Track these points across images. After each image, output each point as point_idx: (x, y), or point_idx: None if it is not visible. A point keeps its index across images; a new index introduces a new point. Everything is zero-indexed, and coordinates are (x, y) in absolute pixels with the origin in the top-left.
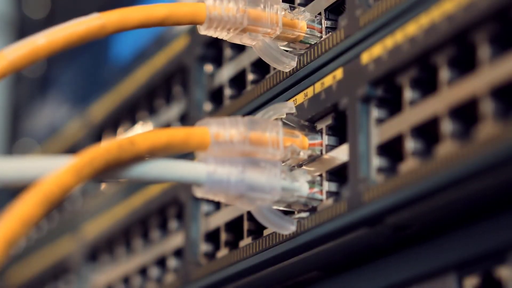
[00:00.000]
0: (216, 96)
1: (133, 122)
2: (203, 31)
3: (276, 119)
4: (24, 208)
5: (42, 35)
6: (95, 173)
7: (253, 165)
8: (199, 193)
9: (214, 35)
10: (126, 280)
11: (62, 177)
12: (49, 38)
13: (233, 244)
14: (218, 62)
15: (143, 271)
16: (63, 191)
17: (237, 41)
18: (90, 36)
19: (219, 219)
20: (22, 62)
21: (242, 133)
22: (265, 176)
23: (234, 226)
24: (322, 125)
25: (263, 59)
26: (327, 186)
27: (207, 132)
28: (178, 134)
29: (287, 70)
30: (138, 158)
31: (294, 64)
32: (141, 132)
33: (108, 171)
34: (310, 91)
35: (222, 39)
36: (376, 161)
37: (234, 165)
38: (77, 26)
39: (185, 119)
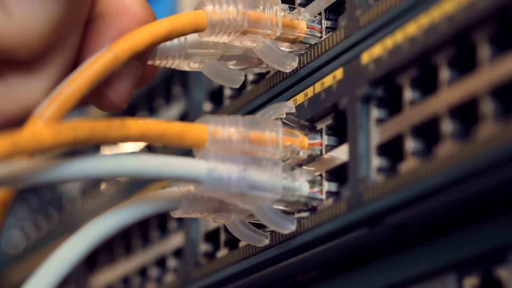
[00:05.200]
0: (216, 96)
1: None
2: (205, 38)
3: (276, 118)
4: None
5: (66, 84)
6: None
7: (255, 164)
8: (199, 190)
9: (215, 40)
10: (125, 280)
11: (37, 129)
12: (74, 86)
13: (233, 244)
14: None
15: (142, 271)
16: (36, 142)
17: (237, 43)
18: (108, 70)
19: None
20: (56, 117)
21: (241, 132)
22: (266, 175)
23: None
24: (322, 125)
25: (264, 61)
26: (327, 186)
27: (205, 129)
28: (175, 127)
29: (288, 71)
30: (127, 141)
31: (295, 64)
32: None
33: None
34: (310, 91)
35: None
36: (376, 161)
37: (235, 163)
38: (94, 64)
39: (185, 119)
